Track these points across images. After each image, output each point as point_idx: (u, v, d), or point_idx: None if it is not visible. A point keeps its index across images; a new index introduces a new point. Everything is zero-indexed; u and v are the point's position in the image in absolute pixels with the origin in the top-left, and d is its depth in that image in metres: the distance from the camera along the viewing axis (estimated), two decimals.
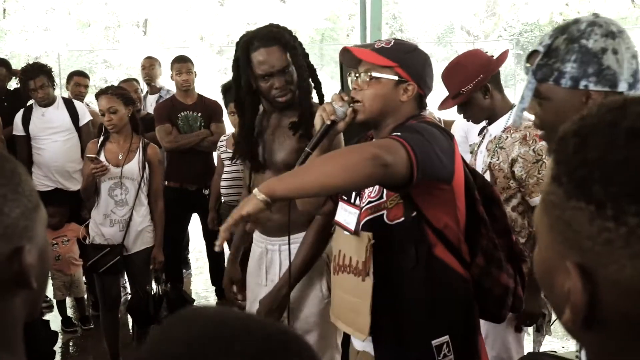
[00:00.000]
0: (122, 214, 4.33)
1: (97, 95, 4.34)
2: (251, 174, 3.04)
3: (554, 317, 3.80)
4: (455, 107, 3.24)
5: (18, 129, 5.59)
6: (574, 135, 0.76)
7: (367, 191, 2.25)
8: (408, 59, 2.24)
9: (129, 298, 4.67)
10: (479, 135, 3.40)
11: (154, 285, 4.50)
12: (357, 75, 2.27)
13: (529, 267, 2.52)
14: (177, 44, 24.66)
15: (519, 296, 2.34)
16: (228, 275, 3.26)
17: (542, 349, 3.83)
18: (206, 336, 0.69)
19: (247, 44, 2.84)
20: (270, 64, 2.79)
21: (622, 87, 1.63)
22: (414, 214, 2.14)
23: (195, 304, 6.01)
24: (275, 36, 2.82)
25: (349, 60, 2.34)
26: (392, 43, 2.26)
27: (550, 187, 0.77)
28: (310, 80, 2.91)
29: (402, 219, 2.16)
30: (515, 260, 2.36)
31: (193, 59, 6.01)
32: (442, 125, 2.38)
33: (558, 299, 0.79)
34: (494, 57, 3.25)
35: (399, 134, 2.01)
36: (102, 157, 4.30)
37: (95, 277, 4.55)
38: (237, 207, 1.98)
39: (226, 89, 5.10)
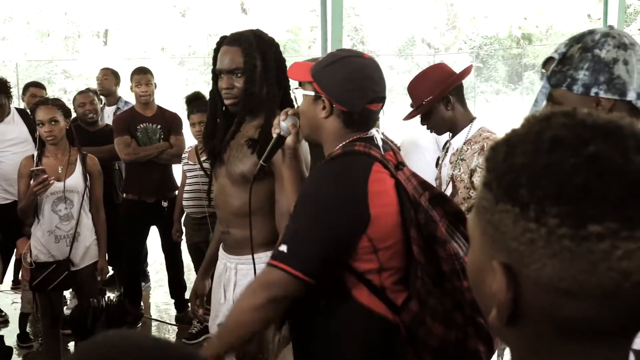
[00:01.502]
0: (68, 229, 4.22)
1: (36, 106, 4.24)
2: (211, 183, 3.03)
3: None
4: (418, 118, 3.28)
5: None
6: (504, 144, 0.81)
7: None
8: (324, 72, 2.09)
9: (72, 311, 4.55)
10: (442, 149, 3.44)
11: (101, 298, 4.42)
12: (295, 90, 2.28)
13: None
14: (138, 54, 24.50)
15: (474, 350, 2.04)
16: (194, 289, 3.22)
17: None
18: None
19: (220, 41, 2.83)
20: (222, 62, 2.76)
21: (631, 96, 1.72)
22: None
23: (147, 316, 5.95)
24: (240, 38, 2.78)
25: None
26: (322, 57, 2.19)
27: (482, 193, 0.82)
28: (277, 90, 2.82)
29: None
30: (470, 310, 2.03)
31: (154, 70, 5.95)
32: (384, 149, 2.21)
33: (487, 298, 0.83)
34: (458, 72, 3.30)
35: (281, 250, 1.92)
36: None
37: (37, 295, 4.44)
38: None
39: (189, 100, 5.06)
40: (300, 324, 2.14)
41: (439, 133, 3.33)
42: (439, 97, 3.15)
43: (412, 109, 3.30)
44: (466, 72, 3.27)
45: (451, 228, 2.12)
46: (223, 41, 2.81)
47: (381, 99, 2.12)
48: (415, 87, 3.25)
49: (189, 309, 4.86)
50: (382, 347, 2.05)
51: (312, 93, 2.11)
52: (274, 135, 2.29)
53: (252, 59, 2.75)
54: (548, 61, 1.83)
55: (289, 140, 2.27)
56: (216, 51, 2.82)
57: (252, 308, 1.94)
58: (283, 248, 1.92)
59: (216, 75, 2.82)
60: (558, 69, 1.78)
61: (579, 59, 1.75)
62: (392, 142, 2.35)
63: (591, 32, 1.79)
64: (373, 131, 2.14)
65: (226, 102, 2.78)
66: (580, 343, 0.78)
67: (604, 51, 1.73)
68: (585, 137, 0.75)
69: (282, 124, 2.26)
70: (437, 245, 2.05)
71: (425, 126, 3.32)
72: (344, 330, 2.03)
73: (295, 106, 2.47)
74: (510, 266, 0.78)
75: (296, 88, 2.24)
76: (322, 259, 1.93)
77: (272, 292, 1.90)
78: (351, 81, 2.06)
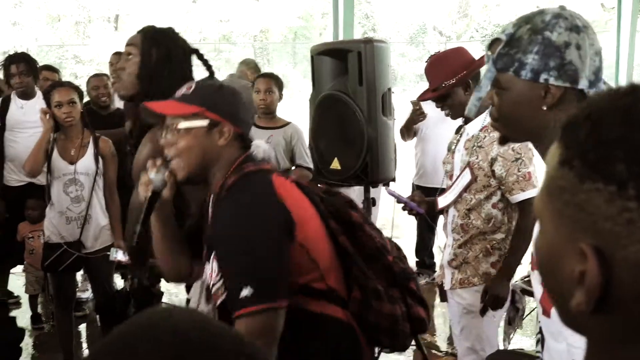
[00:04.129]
0: (79, 211, 4.26)
1: (52, 88, 4.26)
2: None
3: (527, 311, 3.89)
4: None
5: None
6: (586, 119, 0.75)
7: (207, 270, 2.05)
8: (215, 98, 2.04)
9: (94, 298, 4.59)
10: (456, 133, 3.47)
11: (121, 282, 4.46)
12: (164, 131, 2.06)
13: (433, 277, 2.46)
14: None
15: (418, 317, 2.19)
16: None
17: (511, 347, 3.89)
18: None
19: None
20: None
21: (583, 84, 1.58)
22: None
23: (164, 299, 5.98)
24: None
25: (151, 116, 2.14)
26: (192, 87, 2.06)
27: (558, 172, 0.77)
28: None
29: None
30: (402, 280, 2.19)
31: None
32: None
33: (564, 283, 0.78)
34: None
35: (246, 294, 1.82)
36: (55, 155, 4.21)
37: (50, 276, 4.50)
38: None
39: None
40: None
41: (454, 117, 3.35)
42: (461, 81, 3.19)
43: (427, 90, 3.34)
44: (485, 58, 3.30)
45: (360, 213, 2.18)
46: None
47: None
48: (435, 69, 3.29)
49: None
50: (347, 351, 2.07)
51: (205, 122, 2.00)
52: (145, 194, 2.06)
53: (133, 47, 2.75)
54: (494, 42, 1.65)
55: (165, 192, 2.07)
56: None
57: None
58: (247, 291, 1.82)
59: None
60: (505, 51, 1.62)
61: (527, 42, 1.58)
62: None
63: (541, 12, 1.61)
64: (253, 146, 2.12)
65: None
66: None
67: (555, 34, 1.56)
68: None
69: (155, 177, 2.04)
70: (356, 230, 2.12)
71: (440, 109, 3.35)
72: (309, 344, 1.99)
73: None
74: (599, 248, 0.72)
75: (164, 127, 2.06)
76: (283, 278, 1.90)
77: (267, 338, 1.82)
78: (242, 102, 2.11)
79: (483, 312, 3.24)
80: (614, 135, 0.71)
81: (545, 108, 1.58)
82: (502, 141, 1.79)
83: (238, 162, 2.03)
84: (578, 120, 0.76)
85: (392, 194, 3.38)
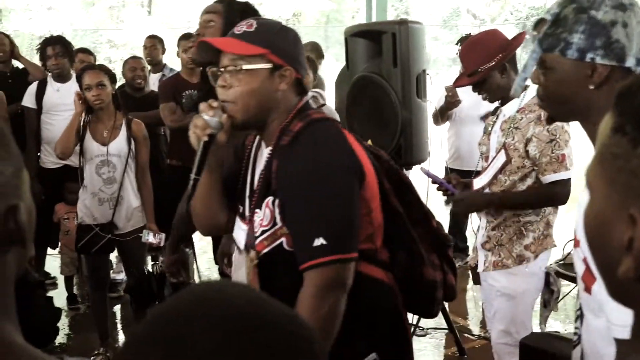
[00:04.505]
0: (111, 192, 4.30)
1: (82, 71, 4.30)
2: None
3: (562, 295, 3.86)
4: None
5: (30, 101, 5.55)
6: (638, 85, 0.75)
7: (257, 218, 1.96)
8: (278, 40, 1.94)
9: (127, 279, 4.64)
10: (492, 114, 3.45)
11: (149, 265, 4.50)
12: (220, 71, 1.95)
13: None
14: (182, 24, 24.55)
15: (450, 285, 2.19)
16: (222, 248, 3.22)
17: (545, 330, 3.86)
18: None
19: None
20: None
21: (630, 62, 1.56)
22: None
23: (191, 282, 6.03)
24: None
25: (204, 54, 2.05)
26: (254, 25, 1.94)
27: (611, 139, 0.76)
28: None
29: None
30: (441, 247, 2.19)
31: None
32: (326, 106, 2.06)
33: (613, 251, 0.77)
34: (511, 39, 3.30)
35: (320, 244, 1.78)
36: (87, 137, 4.25)
37: (84, 258, 4.56)
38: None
39: None
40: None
41: (492, 100, 3.34)
42: (498, 64, 3.16)
43: (463, 75, 3.32)
44: (520, 39, 3.29)
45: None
46: None
47: None
48: (470, 54, 3.26)
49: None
50: (387, 313, 2.06)
51: (269, 65, 1.91)
52: (203, 138, 1.95)
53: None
54: (539, 23, 1.65)
55: (221, 136, 1.95)
56: None
57: (332, 316, 1.81)
58: (320, 241, 1.79)
59: None
60: (551, 31, 1.61)
61: (573, 21, 1.56)
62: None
63: None
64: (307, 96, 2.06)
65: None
66: None
67: (600, 12, 1.54)
68: None
69: (212, 119, 1.92)
70: (406, 191, 2.11)
71: (477, 93, 3.33)
72: (349, 303, 1.89)
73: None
74: None
75: (220, 67, 1.96)
76: (355, 229, 1.88)
77: (338, 290, 1.81)
78: (300, 46, 2.02)
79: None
80: None
81: (592, 87, 1.57)
82: (549, 121, 1.78)
83: (297, 108, 1.98)
84: (632, 88, 0.76)
85: (427, 173, 3.37)
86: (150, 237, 4.30)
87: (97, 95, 4.18)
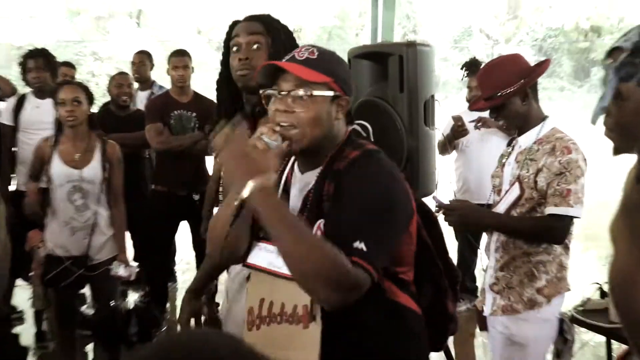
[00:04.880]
0: (84, 220, 4.22)
1: (58, 86, 4.26)
2: None
3: (577, 343, 3.80)
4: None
5: (6, 117, 5.52)
6: None
7: None
8: (339, 70, 2.08)
9: (92, 314, 4.53)
10: (507, 146, 3.43)
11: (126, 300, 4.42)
12: (281, 94, 2.02)
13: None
14: (173, 37, 24.69)
15: (456, 319, 2.38)
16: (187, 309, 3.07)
17: None
18: None
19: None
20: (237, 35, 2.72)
21: None
22: None
23: (172, 319, 5.96)
24: (259, 16, 2.80)
25: (263, 77, 2.08)
26: (316, 52, 2.06)
27: (634, 188, 0.77)
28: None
29: None
30: (456, 280, 2.37)
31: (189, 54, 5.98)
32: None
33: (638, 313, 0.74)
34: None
35: (361, 247, 1.84)
36: (56, 158, 4.19)
37: (51, 292, 4.44)
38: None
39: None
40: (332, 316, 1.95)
41: (510, 128, 3.34)
42: (520, 90, 3.15)
43: (479, 98, 3.31)
44: (545, 66, 3.29)
45: None
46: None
47: None
48: (490, 77, 3.25)
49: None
50: (417, 339, 2.17)
51: (331, 93, 2.03)
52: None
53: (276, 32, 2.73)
54: (614, 51, 1.69)
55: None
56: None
57: (336, 286, 1.81)
58: (361, 245, 1.84)
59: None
60: (628, 60, 1.63)
61: None
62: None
63: None
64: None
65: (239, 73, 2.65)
66: None
67: None
68: None
69: (273, 143, 1.96)
70: (432, 225, 2.29)
71: (494, 119, 3.32)
72: (381, 327, 2.05)
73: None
74: None
75: (281, 91, 2.02)
76: (388, 254, 1.96)
77: (355, 292, 1.83)
78: (350, 76, 2.15)
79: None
80: None
81: None
82: (615, 152, 1.77)
83: (347, 136, 2.10)
84: None
85: (439, 204, 3.33)
86: (120, 270, 4.24)
87: (71, 111, 4.11)
